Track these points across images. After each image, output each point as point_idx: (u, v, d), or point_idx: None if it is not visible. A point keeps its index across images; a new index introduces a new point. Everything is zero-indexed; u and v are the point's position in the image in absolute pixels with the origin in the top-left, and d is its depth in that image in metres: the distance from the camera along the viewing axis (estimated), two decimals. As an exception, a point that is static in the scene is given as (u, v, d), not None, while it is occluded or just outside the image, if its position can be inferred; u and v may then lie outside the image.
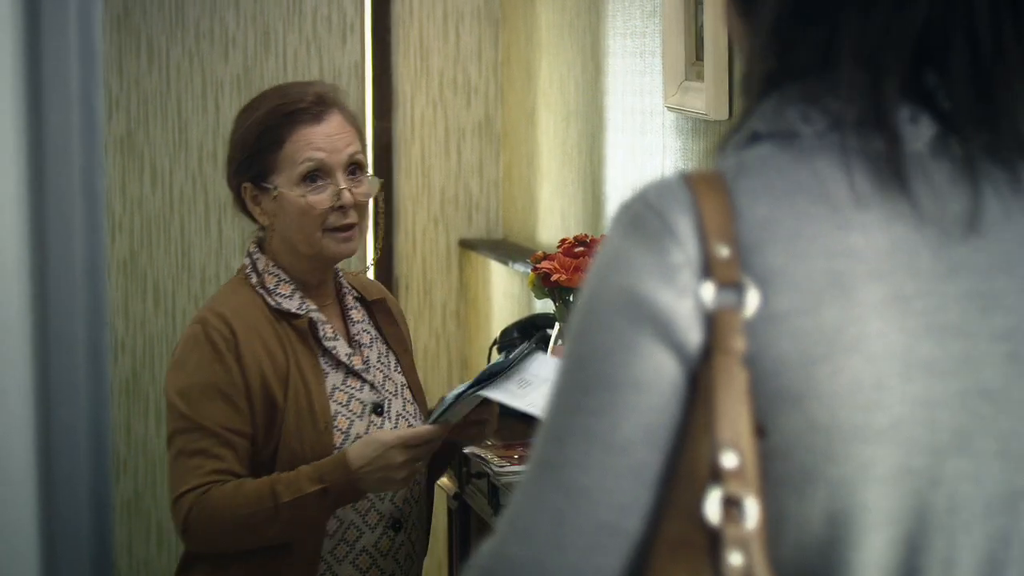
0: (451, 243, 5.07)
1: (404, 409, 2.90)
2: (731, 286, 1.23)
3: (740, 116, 1.34)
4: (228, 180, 2.90)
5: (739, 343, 1.22)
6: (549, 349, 3.11)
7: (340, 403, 2.80)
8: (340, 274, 2.95)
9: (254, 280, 2.84)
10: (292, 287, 2.83)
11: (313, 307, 2.84)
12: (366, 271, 3.10)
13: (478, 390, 2.67)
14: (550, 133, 4.47)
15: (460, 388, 2.73)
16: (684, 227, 1.24)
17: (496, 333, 4.12)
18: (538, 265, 3.08)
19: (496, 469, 2.99)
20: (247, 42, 4.89)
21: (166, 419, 2.78)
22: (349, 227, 2.83)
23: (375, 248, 3.07)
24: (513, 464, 3.01)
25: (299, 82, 2.89)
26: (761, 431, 1.22)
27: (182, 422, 2.69)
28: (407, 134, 5.00)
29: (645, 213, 1.26)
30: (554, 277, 3.01)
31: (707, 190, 1.25)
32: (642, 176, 3.64)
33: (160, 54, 4.86)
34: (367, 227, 2.91)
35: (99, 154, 1.31)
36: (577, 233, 3.78)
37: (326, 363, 2.81)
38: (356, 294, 2.96)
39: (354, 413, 2.81)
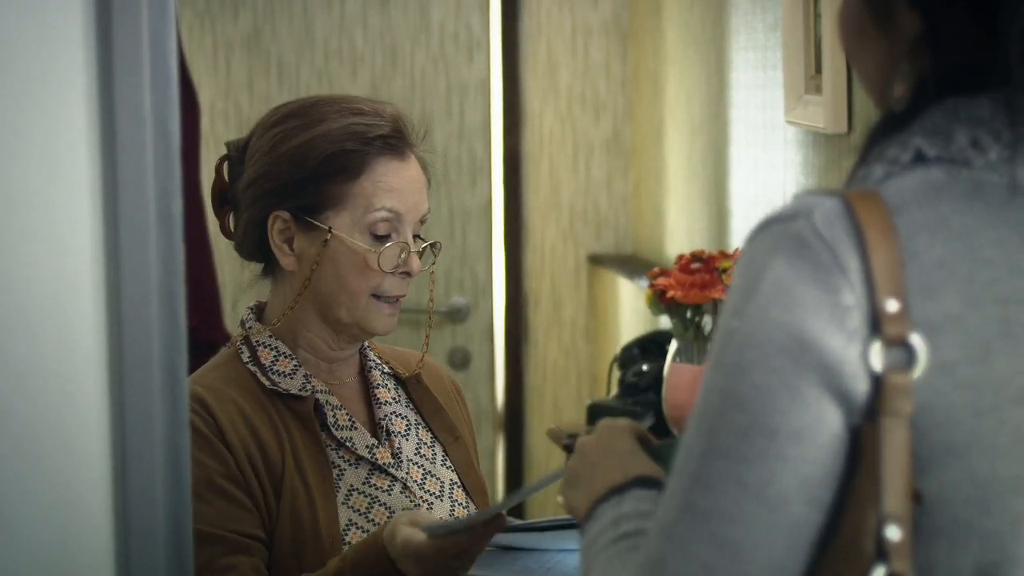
0: (580, 259, 5.05)
1: (453, 514, 2.27)
2: (900, 344, 1.17)
3: (881, 123, 1.26)
4: (246, 204, 2.24)
5: (907, 405, 1.16)
6: (666, 366, 3.08)
7: (357, 510, 2.19)
8: (367, 344, 2.34)
9: (246, 356, 2.24)
10: (294, 363, 2.24)
11: (322, 387, 2.25)
12: (424, 350, 2.37)
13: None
14: (676, 148, 4.44)
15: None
16: (854, 265, 1.17)
17: (622, 350, 4.09)
18: (654, 282, 3.05)
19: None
20: (375, 60, 4.92)
21: None
22: (397, 299, 2.23)
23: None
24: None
25: (362, 97, 2.31)
26: (918, 497, 1.17)
27: None
28: (535, 150, 5.00)
29: (813, 242, 1.18)
30: (669, 294, 2.97)
31: (874, 224, 1.18)
32: (766, 191, 3.59)
33: (290, 73, 4.90)
34: None
35: (175, 178, 1.31)
36: (704, 248, 3.75)
37: (341, 457, 2.21)
38: (387, 369, 2.35)
39: (375, 523, 2.19)
